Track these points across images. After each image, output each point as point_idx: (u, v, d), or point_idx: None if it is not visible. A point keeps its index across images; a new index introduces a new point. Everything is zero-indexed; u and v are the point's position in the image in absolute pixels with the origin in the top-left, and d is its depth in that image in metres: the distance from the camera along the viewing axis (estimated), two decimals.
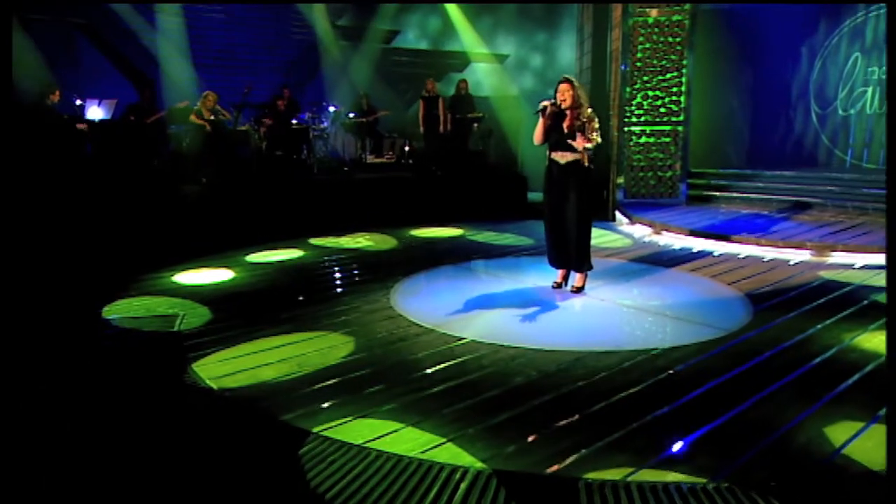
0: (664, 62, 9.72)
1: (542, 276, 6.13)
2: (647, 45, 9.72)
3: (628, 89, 9.85)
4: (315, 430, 3.28)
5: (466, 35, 14.60)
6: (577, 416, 3.46)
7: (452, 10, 14.47)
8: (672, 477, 2.90)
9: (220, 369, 4.06)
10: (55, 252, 6.71)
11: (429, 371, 4.09)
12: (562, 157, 5.62)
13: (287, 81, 12.32)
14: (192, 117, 9.65)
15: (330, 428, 3.31)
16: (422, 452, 3.07)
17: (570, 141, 5.49)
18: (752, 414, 3.52)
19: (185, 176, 9.49)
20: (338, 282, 6.29)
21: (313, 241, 7.99)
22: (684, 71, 9.71)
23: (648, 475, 2.92)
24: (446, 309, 5.30)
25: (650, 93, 9.81)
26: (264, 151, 10.82)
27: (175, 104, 9.78)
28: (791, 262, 6.96)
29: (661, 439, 3.22)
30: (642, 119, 9.90)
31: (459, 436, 3.24)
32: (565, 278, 5.92)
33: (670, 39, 9.65)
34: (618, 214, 9.81)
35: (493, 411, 3.52)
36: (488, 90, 13.97)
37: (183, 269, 6.56)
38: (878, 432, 3.28)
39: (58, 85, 8.66)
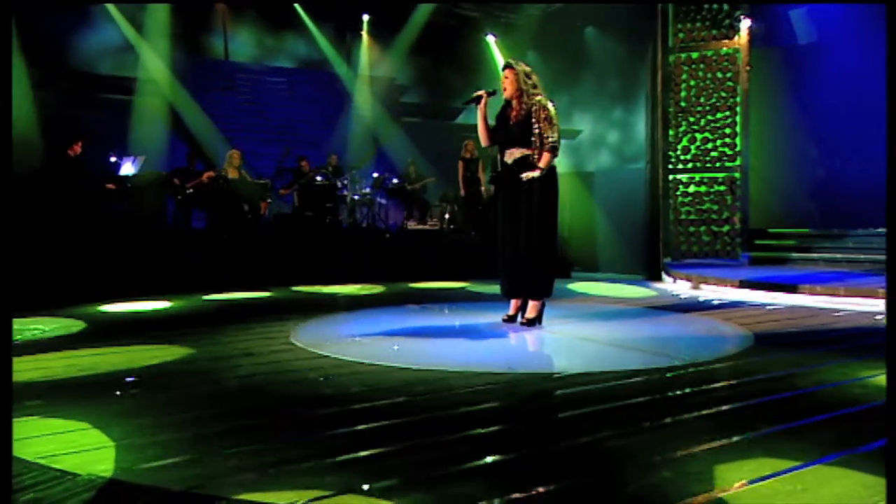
0: (713, 100, 8.39)
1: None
2: (692, 83, 8.49)
3: (672, 132, 8.57)
4: None
5: None
6: (334, 431, 2.30)
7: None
8: None
9: None
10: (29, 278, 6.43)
11: (229, 378, 3.08)
12: (509, 156, 4.55)
13: (337, 151, 12.21)
14: (205, 177, 9.58)
15: None
16: (48, 457, 2.05)
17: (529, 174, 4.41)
18: (610, 443, 2.18)
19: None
20: (267, 313, 5.41)
21: (295, 287, 7.26)
22: (738, 109, 8.31)
23: (347, 500, 1.71)
24: (355, 334, 4.27)
25: (698, 135, 8.45)
26: (295, 211, 10.55)
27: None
28: (847, 311, 5.22)
29: (434, 463, 1.99)
30: (690, 166, 8.51)
31: (140, 443, 2.19)
32: (519, 310, 4.67)
33: (719, 75, 8.36)
34: (665, 276, 8.28)
35: (232, 419, 2.45)
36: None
37: (124, 301, 6.01)
38: (817, 475, 1.85)
39: (80, 137, 8.84)
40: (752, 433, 2.22)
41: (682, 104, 8.55)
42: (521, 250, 4.45)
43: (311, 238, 9.57)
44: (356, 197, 11.25)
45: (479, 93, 4.66)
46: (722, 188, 8.39)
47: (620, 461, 1.99)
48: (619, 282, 8.18)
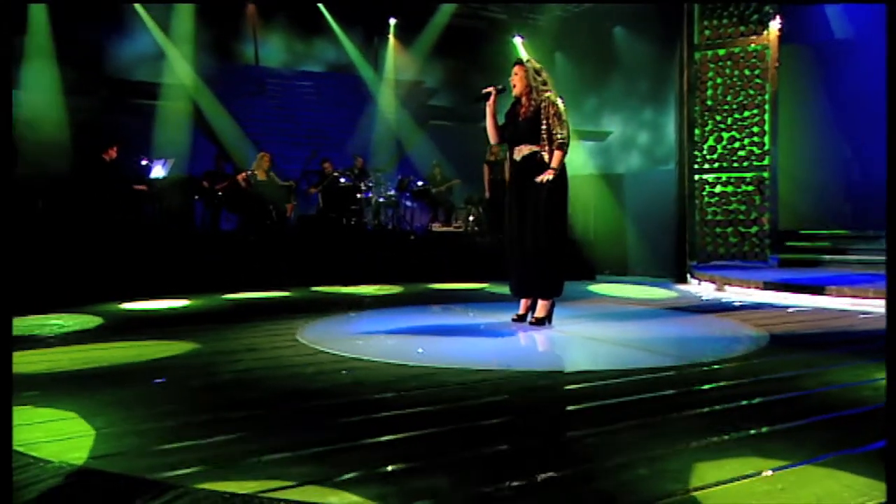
0: (740, 98, 8.17)
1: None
2: (719, 81, 8.28)
3: (698, 131, 8.37)
4: None
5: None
6: (311, 424, 2.28)
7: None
8: (334, 498, 1.64)
9: None
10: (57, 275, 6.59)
11: (225, 372, 3.10)
12: (517, 153, 4.50)
13: (363, 153, 12.27)
14: (241, 179, 9.70)
15: None
16: (28, 444, 2.07)
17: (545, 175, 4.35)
18: (590, 440, 2.11)
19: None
20: (280, 312, 5.42)
21: (314, 288, 7.29)
22: (766, 107, 8.07)
23: (306, 491, 1.69)
24: (360, 332, 4.27)
25: (725, 134, 8.24)
26: (319, 213, 10.63)
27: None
28: (874, 314, 5.01)
29: (400, 458, 1.95)
30: (716, 165, 8.30)
31: (120, 432, 2.21)
32: (529, 309, 4.59)
33: (746, 72, 8.13)
34: (690, 278, 8.07)
35: (217, 410, 2.47)
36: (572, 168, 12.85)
37: (146, 299, 6.11)
38: (801, 475, 1.77)
39: (115, 142, 9.03)
40: (740, 432, 2.12)
41: (709, 102, 8.35)
42: (530, 249, 4.38)
43: (335, 240, 9.61)
44: (381, 199, 11.24)
45: (488, 89, 4.61)
46: (750, 188, 8.15)
47: (597, 458, 1.93)
48: (646, 284, 8.02)
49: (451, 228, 11.53)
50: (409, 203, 11.77)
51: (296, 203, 10.39)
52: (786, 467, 1.81)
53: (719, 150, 8.29)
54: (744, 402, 2.51)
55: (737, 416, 2.35)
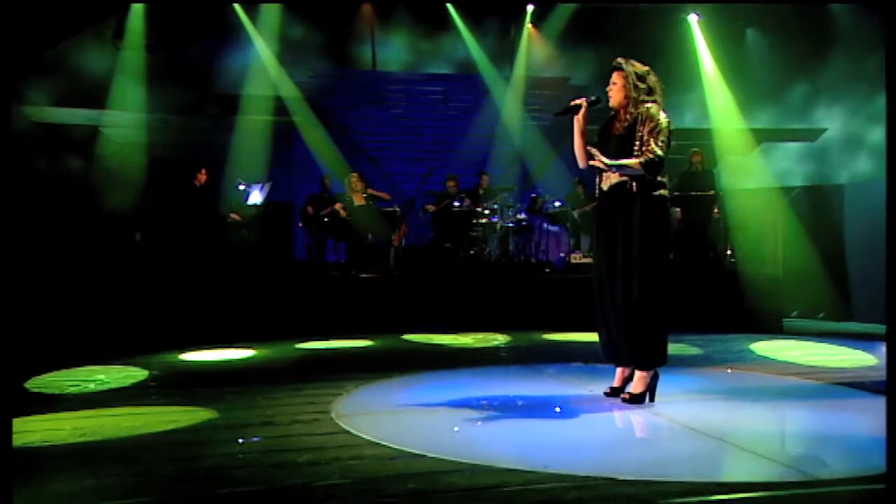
0: None
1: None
2: None
3: None
4: None
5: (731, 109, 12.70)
6: None
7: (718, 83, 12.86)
8: None
9: None
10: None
11: (210, 456, 3.24)
12: (605, 180, 4.30)
13: (489, 168, 12.28)
14: (340, 209, 10.11)
15: None
16: None
17: (596, 159, 4.19)
18: None
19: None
20: (341, 370, 5.55)
21: (405, 336, 7.41)
22: None
23: None
24: (410, 404, 4.30)
25: None
26: (432, 242, 10.78)
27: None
28: None
29: None
30: None
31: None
32: (625, 381, 4.30)
33: None
34: None
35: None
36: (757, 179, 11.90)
37: (211, 349, 6.57)
38: None
39: (203, 166, 9.84)
40: None
41: None
42: (619, 302, 4.12)
43: (445, 275, 9.62)
44: (510, 224, 11.00)
45: (578, 101, 4.46)
46: None
47: None
48: (845, 343, 6.98)
49: (592, 260, 11.12)
50: (546, 225, 11.51)
51: (404, 231, 10.61)
52: None
53: None
54: None
55: None
